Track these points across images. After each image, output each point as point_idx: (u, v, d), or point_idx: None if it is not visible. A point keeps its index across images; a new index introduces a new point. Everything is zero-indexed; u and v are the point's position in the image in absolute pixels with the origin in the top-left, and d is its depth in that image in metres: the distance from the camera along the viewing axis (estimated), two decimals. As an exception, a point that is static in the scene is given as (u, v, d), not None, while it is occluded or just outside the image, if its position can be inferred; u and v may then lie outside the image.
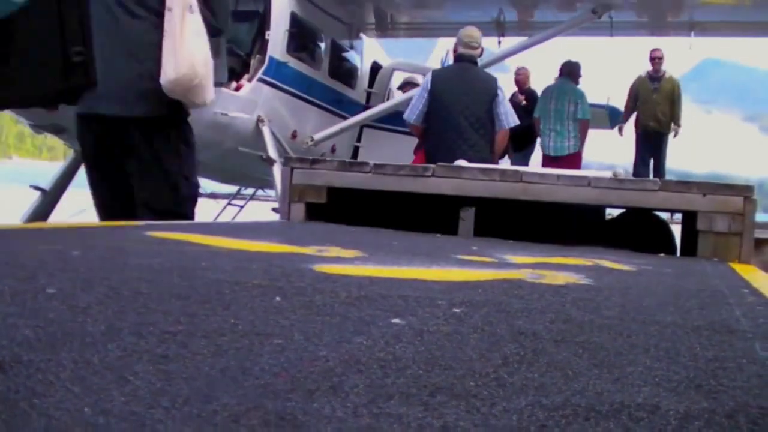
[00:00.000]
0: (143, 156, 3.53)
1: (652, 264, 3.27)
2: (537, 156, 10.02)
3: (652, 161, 10.36)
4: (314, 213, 4.76)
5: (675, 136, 10.38)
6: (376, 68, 10.36)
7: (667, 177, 5.13)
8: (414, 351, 1.22)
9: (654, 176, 9.39)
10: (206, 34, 3.40)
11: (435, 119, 6.10)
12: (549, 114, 8.98)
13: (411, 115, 6.27)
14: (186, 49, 3.24)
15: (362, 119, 9.11)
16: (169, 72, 3.23)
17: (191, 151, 3.67)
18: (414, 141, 9.92)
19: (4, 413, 0.77)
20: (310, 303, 1.59)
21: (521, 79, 10.89)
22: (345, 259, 2.52)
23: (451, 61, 14.08)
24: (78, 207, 9.30)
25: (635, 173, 9.72)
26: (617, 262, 3.12)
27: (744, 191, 4.19)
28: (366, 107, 9.67)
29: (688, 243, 4.69)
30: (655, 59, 10.28)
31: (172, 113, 3.46)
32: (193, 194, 3.84)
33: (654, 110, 10.16)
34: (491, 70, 9.94)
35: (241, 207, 11.61)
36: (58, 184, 8.18)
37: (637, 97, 10.46)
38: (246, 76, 7.62)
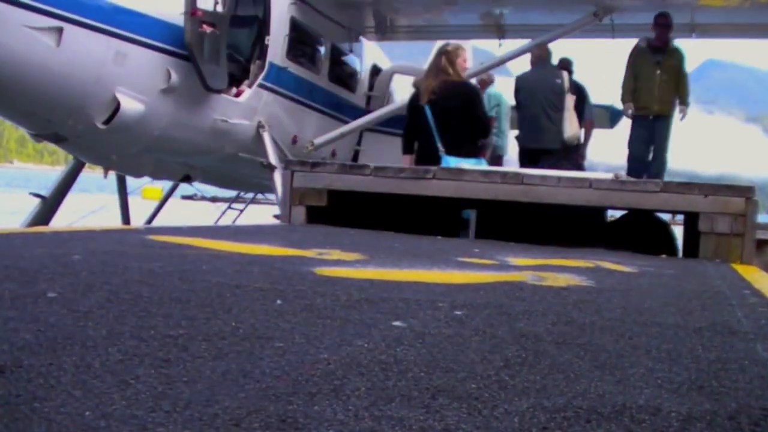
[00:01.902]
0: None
1: (654, 265, 3.27)
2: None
3: (651, 152, 8.28)
4: (315, 216, 4.76)
5: (683, 118, 8.24)
6: (376, 71, 10.36)
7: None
8: (415, 353, 1.22)
9: (653, 170, 7.85)
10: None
11: None
12: None
13: None
14: (573, 123, 8.01)
15: (363, 123, 9.10)
16: (568, 131, 7.90)
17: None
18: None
19: (5, 417, 0.76)
20: (311, 306, 1.59)
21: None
22: (346, 261, 2.52)
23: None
24: (88, 209, 9.31)
25: (631, 169, 7.85)
26: (618, 264, 3.12)
27: (745, 192, 4.19)
28: (366, 111, 9.66)
29: (690, 244, 4.68)
30: (662, 26, 8.10)
31: (562, 148, 7.97)
32: None
33: (657, 90, 8.07)
34: (493, 73, 9.95)
35: (242, 211, 11.60)
36: (58, 190, 8.16)
37: (636, 72, 8.32)
38: (246, 82, 7.61)
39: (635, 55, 8.21)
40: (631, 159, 8.20)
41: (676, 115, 8.18)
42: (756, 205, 4.13)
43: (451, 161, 5.69)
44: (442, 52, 6.05)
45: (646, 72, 8.21)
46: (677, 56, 8.35)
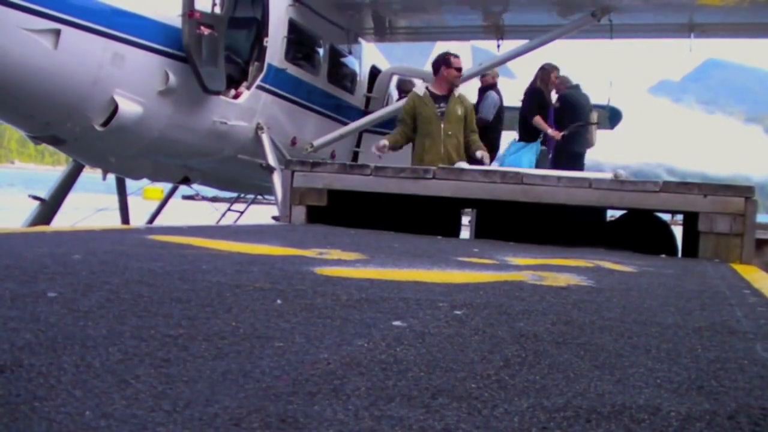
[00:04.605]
0: None
1: (654, 265, 3.27)
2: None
3: None
4: (315, 215, 4.76)
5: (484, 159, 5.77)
6: (375, 73, 10.35)
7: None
8: (415, 353, 1.22)
9: None
10: None
11: None
12: None
13: None
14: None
15: (362, 125, 9.08)
16: None
17: None
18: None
19: (5, 417, 0.76)
20: (311, 306, 1.59)
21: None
22: (346, 261, 2.52)
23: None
24: (95, 207, 9.30)
25: None
26: (618, 264, 3.12)
27: (745, 192, 4.19)
28: (365, 112, 9.65)
29: (690, 244, 4.69)
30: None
31: None
32: None
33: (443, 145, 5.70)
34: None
35: (242, 212, 11.59)
36: (57, 192, 8.15)
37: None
38: (244, 84, 7.60)
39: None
40: None
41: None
42: (755, 205, 4.14)
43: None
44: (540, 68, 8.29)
45: None
46: None
